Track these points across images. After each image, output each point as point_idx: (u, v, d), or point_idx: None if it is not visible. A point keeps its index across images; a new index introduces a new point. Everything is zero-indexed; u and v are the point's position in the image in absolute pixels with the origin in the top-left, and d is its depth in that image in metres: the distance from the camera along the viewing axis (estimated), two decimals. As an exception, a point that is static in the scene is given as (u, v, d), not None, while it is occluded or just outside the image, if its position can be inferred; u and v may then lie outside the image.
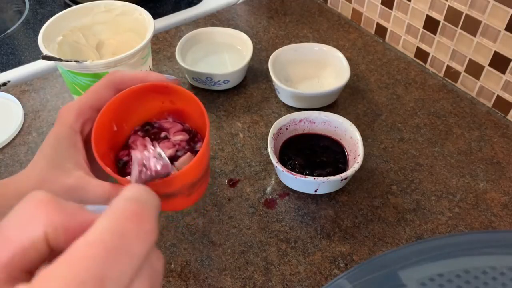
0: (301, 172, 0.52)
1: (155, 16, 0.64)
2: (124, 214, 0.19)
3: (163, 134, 0.37)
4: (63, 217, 0.20)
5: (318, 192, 0.52)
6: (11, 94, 0.65)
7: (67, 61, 0.48)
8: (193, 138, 0.37)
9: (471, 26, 0.62)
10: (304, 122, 0.56)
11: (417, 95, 0.66)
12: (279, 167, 0.50)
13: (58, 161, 0.32)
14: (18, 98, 0.65)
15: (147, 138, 0.37)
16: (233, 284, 0.46)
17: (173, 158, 0.35)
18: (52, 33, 0.54)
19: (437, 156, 0.58)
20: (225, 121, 0.62)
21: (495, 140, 0.60)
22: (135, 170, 0.30)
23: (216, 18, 0.81)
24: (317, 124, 0.56)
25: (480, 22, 0.60)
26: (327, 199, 0.53)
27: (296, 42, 0.74)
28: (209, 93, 0.66)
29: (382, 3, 0.73)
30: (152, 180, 0.30)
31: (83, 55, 0.58)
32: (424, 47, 0.70)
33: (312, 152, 0.55)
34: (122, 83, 0.34)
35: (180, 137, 0.37)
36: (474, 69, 0.64)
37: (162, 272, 0.21)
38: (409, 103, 0.65)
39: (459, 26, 0.63)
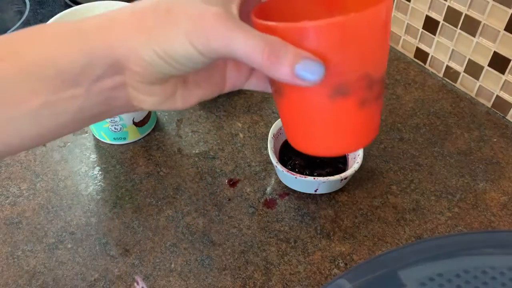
0: (301, 172, 0.52)
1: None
2: None
3: None
4: None
5: (318, 192, 0.52)
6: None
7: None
8: None
9: (471, 26, 0.62)
10: (304, 122, 0.56)
11: (416, 95, 0.66)
12: (279, 167, 0.50)
13: None
14: (18, 98, 0.65)
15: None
16: (233, 284, 0.46)
17: None
18: (52, 33, 0.54)
19: (437, 156, 0.58)
20: (225, 121, 0.62)
21: (495, 140, 0.60)
22: None
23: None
24: (317, 124, 0.56)
25: (479, 22, 0.60)
26: (327, 199, 0.53)
27: (296, 42, 0.74)
28: (209, 93, 0.66)
29: (381, 3, 0.73)
30: None
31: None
32: (423, 47, 0.70)
33: (312, 152, 0.55)
34: None
35: None
36: (474, 69, 0.64)
37: None
38: (408, 103, 0.65)
39: (459, 27, 0.63)
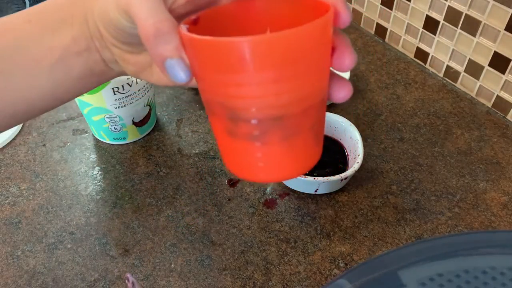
0: (301, 172, 0.52)
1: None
2: None
3: None
4: None
5: (318, 192, 0.52)
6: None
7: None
8: None
9: (471, 26, 0.62)
10: (304, 122, 0.56)
11: (417, 95, 0.66)
12: (279, 167, 0.50)
13: None
14: (18, 98, 0.65)
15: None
16: (233, 284, 0.46)
17: None
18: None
19: (437, 156, 0.58)
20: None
21: (495, 140, 0.60)
22: None
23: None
24: (317, 124, 0.56)
25: (480, 22, 0.60)
26: (327, 199, 0.53)
27: (296, 42, 0.74)
28: (209, 93, 0.66)
29: (382, 3, 0.73)
30: None
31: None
32: (424, 47, 0.70)
33: (312, 152, 0.55)
34: None
35: None
36: (474, 69, 0.64)
37: None
38: (409, 103, 0.65)
39: (459, 26, 0.63)
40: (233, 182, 0.55)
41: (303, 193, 0.53)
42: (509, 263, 0.31)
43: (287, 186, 0.54)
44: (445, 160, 0.57)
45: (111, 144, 0.59)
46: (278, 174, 0.26)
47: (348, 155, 0.55)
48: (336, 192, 0.53)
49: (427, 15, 0.67)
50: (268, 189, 0.54)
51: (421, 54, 0.71)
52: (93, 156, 0.58)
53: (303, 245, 0.49)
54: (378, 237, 0.50)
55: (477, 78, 0.65)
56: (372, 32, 0.78)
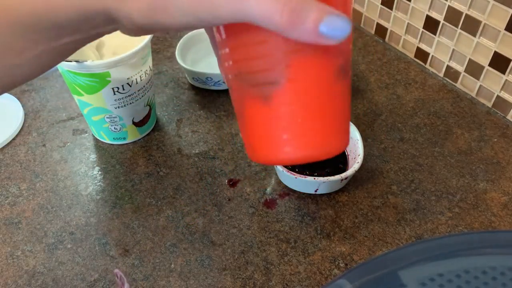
0: (301, 172, 0.52)
1: (155, 16, 0.64)
2: None
3: None
4: None
5: (318, 192, 0.52)
6: (11, 94, 0.65)
7: (67, 61, 0.48)
8: None
9: (471, 26, 0.62)
10: (304, 122, 0.56)
11: (417, 95, 0.66)
12: (279, 167, 0.50)
13: None
14: (18, 98, 0.65)
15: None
16: (233, 284, 0.46)
17: None
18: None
19: (437, 156, 0.58)
20: (225, 121, 0.62)
21: (495, 140, 0.60)
22: None
23: (216, 18, 0.81)
24: (317, 124, 0.56)
25: (480, 22, 0.60)
26: (327, 199, 0.53)
27: (296, 42, 0.74)
28: (209, 93, 0.66)
29: (382, 3, 0.73)
30: None
31: (83, 55, 0.58)
32: (424, 47, 0.70)
33: (312, 152, 0.55)
34: None
35: None
36: (474, 69, 0.64)
37: None
38: (409, 103, 0.65)
39: (459, 26, 0.63)
40: (233, 182, 0.55)
41: (303, 193, 0.53)
42: (509, 263, 0.31)
43: (287, 186, 0.54)
44: (445, 160, 0.57)
45: (111, 144, 0.59)
46: (307, 148, 0.25)
47: (348, 155, 0.55)
48: (336, 192, 0.53)
49: (427, 15, 0.67)
50: (268, 189, 0.54)
51: (421, 54, 0.71)
52: (93, 156, 0.58)
53: (303, 245, 0.49)
54: (378, 237, 0.50)
55: (477, 78, 0.65)
56: (372, 32, 0.78)
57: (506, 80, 0.61)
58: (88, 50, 0.58)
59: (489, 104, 0.65)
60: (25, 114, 0.63)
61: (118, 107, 0.54)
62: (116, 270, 0.46)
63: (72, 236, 0.50)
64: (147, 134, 0.61)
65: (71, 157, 0.58)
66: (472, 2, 0.60)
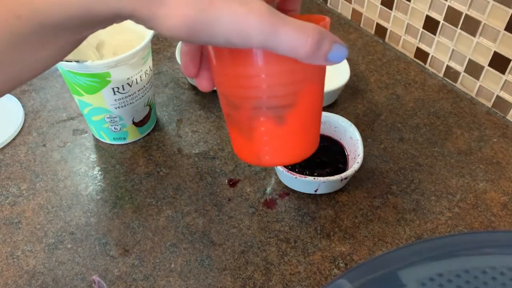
0: (301, 172, 0.52)
1: (155, 16, 0.64)
2: None
3: None
4: None
5: (318, 192, 0.52)
6: (11, 94, 0.65)
7: (67, 61, 0.48)
8: None
9: (471, 26, 0.62)
10: (304, 122, 0.56)
11: (417, 95, 0.66)
12: (279, 167, 0.50)
13: None
14: (18, 98, 0.65)
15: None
16: (233, 284, 0.46)
17: None
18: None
19: (437, 156, 0.58)
20: (225, 121, 0.62)
21: (495, 140, 0.60)
22: None
23: (216, 18, 0.81)
24: (317, 124, 0.56)
25: (480, 22, 0.60)
26: (327, 199, 0.53)
27: (296, 42, 0.74)
28: (209, 93, 0.66)
29: (382, 4, 0.73)
30: None
31: (83, 55, 0.58)
32: (424, 47, 0.70)
33: (312, 152, 0.55)
34: None
35: None
36: (474, 69, 0.64)
37: None
38: (409, 103, 0.65)
39: (459, 26, 0.63)
40: (233, 182, 0.55)
41: (303, 193, 0.53)
42: (509, 263, 0.31)
43: (287, 186, 0.54)
44: (445, 160, 0.57)
45: (111, 144, 0.59)
46: (286, 156, 0.32)
47: (348, 155, 0.55)
48: (336, 192, 0.53)
49: (427, 15, 0.67)
50: (268, 189, 0.54)
51: (421, 54, 0.71)
52: (93, 156, 0.58)
53: (303, 245, 0.49)
54: (378, 237, 0.50)
55: (477, 78, 0.65)
56: (372, 32, 0.78)
57: (506, 80, 0.61)
58: (88, 50, 0.58)
59: (489, 104, 0.65)
60: (25, 114, 0.63)
61: (118, 107, 0.54)
62: (94, 277, 0.46)
63: (72, 236, 0.50)
64: (147, 134, 0.61)
65: (71, 157, 0.58)
66: (472, 2, 0.60)
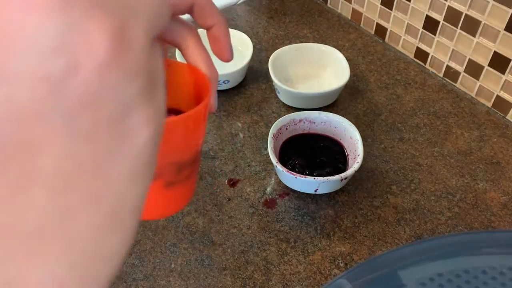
0: (301, 172, 0.52)
1: (155, 16, 0.64)
2: None
3: None
4: None
5: (318, 192, 0.52)
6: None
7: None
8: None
9: (471, 26, 0.62)
10: (304, 122, 0.56)
11: (416, 95, 0.66)
12: (279, 167, 0.50)
13: None
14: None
15: None
16: (233, 284, 0.46)
17: None
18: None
19: (437, 156, 0.58)
20: (225, 121, 0.62)
21: (495, 140, 0.60)
22: None
23: (216, 18, 0.81)
24: (317, 124, 0.57)
25: (479, 22, 0.60)
26: (327, 199, 0.53)
27: (296, 42, 0.74)
28: (209, 93, 0.66)
29: (382, 4, 0.73)
30: None
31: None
32: (423, 47, 0.70)
33: (312, 152, 0.55)
34: None
35: None
36: (474, 69, 0.64)
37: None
38: (408, 103, 0.65)
39: (459, 26, 0.63)
40: (233, 182, 0.55)
41: (303, 193, 0.53)
42: (509, 263, 0.31)
43: (287, 186, 0.54)
44: (445, 160, 0.57)
45: (111, 144, 0.59)
46: (176, 209, 0.34)
47: (348, 155, 0.55)
48: (336, 192, 0.54)
49: (427, 15, 0.67)
50: (268, 189, 0.54)
51: (421, 54, 0.71)
52: (93, 156, 0.58)
53: (303, 245, 0.49)
54: (378, 237, 0.50)
55: (477, 78, 0.65)
56: (372, 32, 0.78)
57: (506, 80, 0.61)
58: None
59: (489, 104, 0.65)
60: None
61: (118, 107, 0.54)
62: None
63: (72, 236, 0.50)
64: (147, 134, 0.61)
65: (71, 157, 0.58)
66: (472, 2, 0.60)
